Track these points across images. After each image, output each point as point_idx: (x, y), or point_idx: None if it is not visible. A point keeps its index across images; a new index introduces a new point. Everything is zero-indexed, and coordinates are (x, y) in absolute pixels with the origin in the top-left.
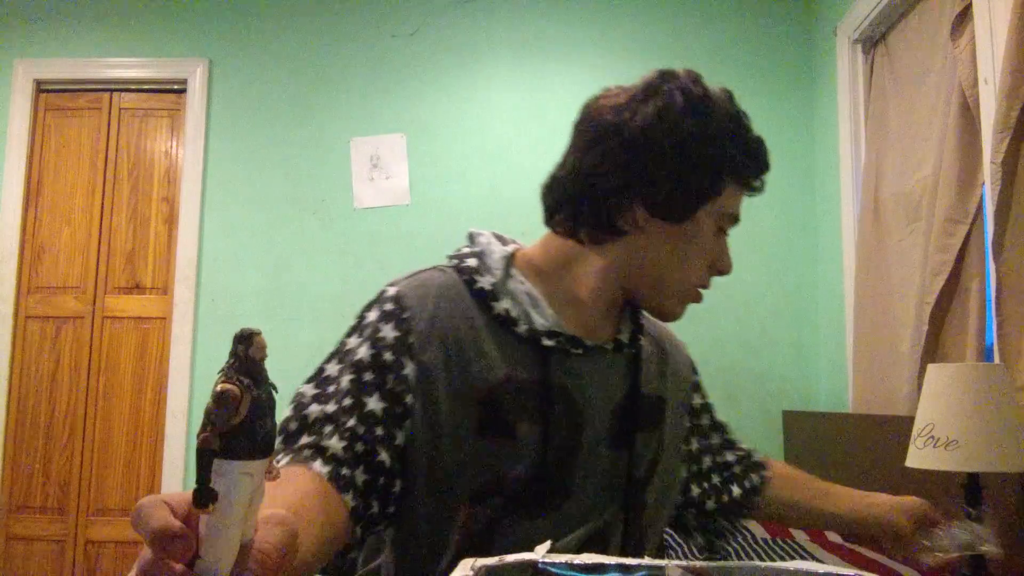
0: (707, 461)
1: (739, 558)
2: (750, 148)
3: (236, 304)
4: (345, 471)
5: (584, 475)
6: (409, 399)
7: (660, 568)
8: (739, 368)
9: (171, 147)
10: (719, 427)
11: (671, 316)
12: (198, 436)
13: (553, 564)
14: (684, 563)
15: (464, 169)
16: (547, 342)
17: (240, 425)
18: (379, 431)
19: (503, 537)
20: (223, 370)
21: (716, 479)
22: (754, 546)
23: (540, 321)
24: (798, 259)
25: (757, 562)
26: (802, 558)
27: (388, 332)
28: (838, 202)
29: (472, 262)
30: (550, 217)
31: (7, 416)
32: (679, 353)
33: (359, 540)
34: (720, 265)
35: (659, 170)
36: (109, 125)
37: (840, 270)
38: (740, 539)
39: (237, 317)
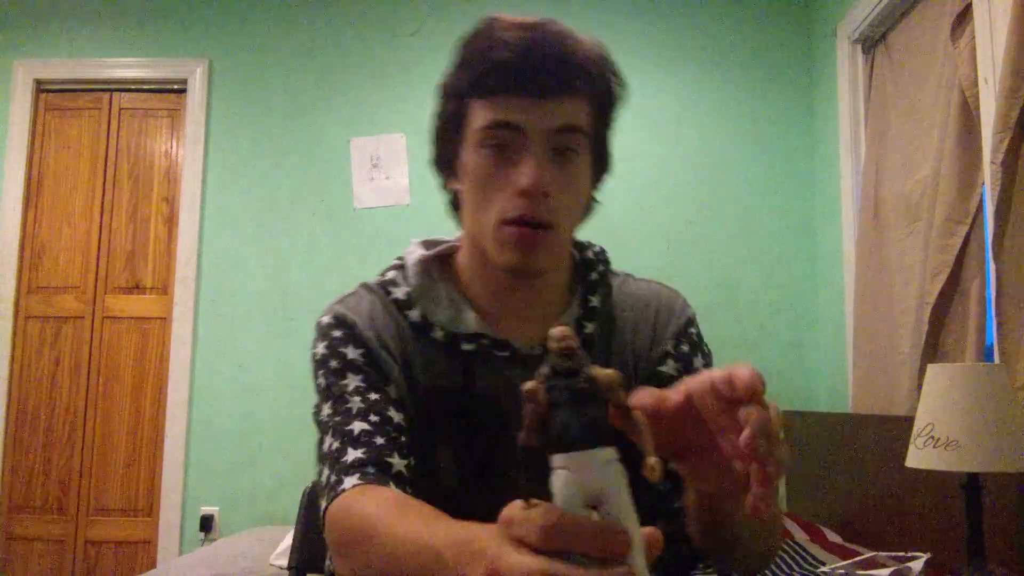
0: None
1: None
2: (474, 59)
3: (236, 304)
4: (409, 489)
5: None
6: (403, 395)
7: None
8: None
9: (171, 147)
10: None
11: (503, 263)
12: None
13: None
14: None
15: None
16: (466, 346)
17: (542, 420)
18: (404, 439)
19: None
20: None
21: None
22: None
23: (464, 325)
24: (798, 259)
25: None
26: (802, 558)
27: (352, 352)
28: (838, 202)
29: (391, 274)
30: None
31: (7, 416)
32: (649, 312)
33: None
34: (518, 184)
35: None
36: (109, 125)
37: (840, 270)
38: None
39: (237, 317)
